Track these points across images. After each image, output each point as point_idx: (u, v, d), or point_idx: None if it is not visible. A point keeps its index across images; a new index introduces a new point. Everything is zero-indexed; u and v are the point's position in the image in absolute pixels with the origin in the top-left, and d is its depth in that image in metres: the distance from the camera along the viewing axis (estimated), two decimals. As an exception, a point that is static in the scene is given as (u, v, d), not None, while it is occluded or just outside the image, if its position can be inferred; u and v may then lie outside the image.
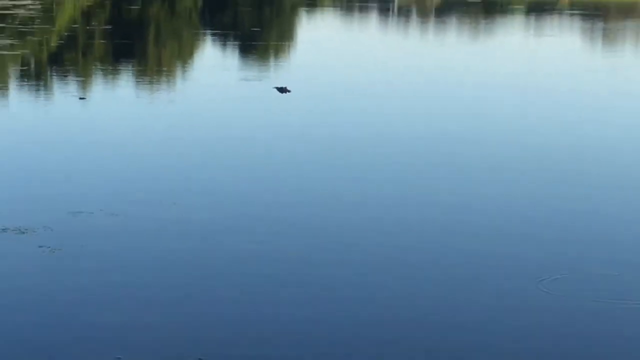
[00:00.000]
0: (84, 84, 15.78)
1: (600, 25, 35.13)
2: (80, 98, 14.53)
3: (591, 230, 6.89)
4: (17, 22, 26.09)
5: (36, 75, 17.13)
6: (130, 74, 17.99)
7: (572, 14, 41.06)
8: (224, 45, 24.77)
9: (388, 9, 39.75)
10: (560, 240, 6.37)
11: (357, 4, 42.86)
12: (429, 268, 5.65)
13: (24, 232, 6.42)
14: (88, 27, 26.97)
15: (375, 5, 41.43)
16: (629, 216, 7.37)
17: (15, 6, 30.94)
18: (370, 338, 4.28)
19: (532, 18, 38.51)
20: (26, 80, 16.09)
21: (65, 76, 17.13)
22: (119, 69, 18.31)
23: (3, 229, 6.44)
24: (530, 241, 6.31)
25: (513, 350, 4.14)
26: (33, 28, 24.65)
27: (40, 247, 6.09)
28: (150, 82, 16.96)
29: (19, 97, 14.45)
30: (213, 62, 20.73)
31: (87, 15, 30.14)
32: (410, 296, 5.04)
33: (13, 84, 15.91)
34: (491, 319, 4.74)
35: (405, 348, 4.12)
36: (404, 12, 40.14)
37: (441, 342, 4.25)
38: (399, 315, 4.65)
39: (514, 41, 29.03)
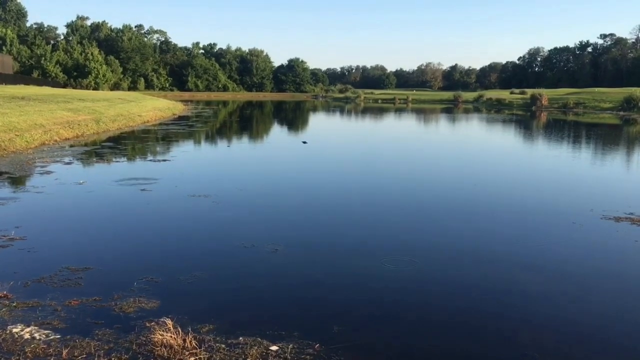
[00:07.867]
0: (229, 141, 26.57)
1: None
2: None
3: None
4: (206, 118, 44.40)
5: (211, 137, 28.58)
6: (247, 137, 29.53)
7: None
8: (282, 124, 43.79)
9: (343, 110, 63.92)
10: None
11: (333, 107, 69.49)
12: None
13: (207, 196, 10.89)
14: (231, 119, 48.56)
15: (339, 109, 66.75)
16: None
17: (204, 109, 53.58)
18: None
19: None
20: (208, 138, 27.37)
21: (222, 138, 28.72)
22: (243, 136, 30.24)
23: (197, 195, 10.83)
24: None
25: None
26: (209, 120, 44.13)
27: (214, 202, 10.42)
28: (255, 139, 27.99)
29: (206, 144, 24.70)
30: (278, 131, 35.99)
31: (230, 114, 56.12)
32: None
33: (204, 139, 26.40)
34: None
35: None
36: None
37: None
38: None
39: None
